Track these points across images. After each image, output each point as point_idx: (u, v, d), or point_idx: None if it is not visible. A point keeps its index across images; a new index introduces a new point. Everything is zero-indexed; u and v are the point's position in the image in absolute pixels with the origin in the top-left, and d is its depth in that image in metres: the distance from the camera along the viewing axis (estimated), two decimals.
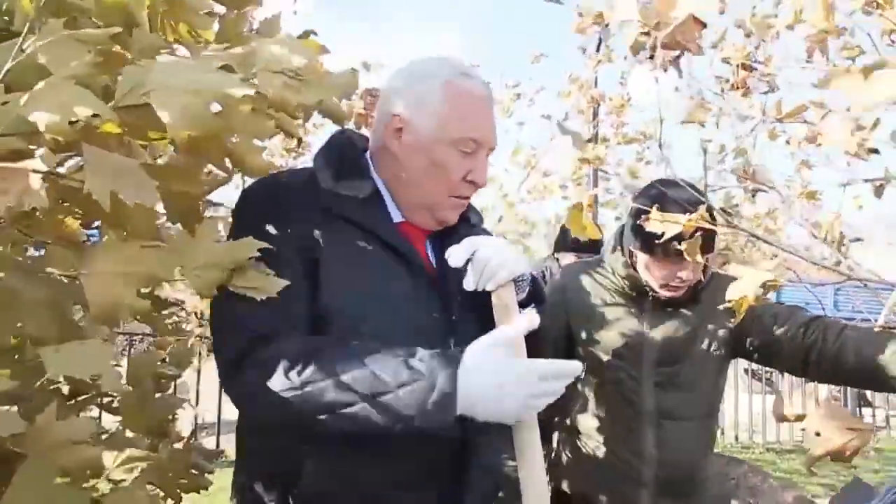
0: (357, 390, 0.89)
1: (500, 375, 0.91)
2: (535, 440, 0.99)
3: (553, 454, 1.79)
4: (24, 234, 0.85)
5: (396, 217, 1.12)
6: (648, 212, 1.37)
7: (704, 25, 1.24)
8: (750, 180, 1.79)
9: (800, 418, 1.18)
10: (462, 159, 1.08)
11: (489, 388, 0.90)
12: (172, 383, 1.35)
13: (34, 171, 0.61)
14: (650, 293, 1.59)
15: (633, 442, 1.59)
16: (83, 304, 0.79)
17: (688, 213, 1.34)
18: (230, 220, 1.08)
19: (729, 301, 1.20)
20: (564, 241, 3.39)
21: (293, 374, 0.90)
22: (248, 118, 0.78)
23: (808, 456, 1.16)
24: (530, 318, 1.00)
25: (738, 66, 1.92)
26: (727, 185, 2.94)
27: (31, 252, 0.95)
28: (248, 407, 0.98)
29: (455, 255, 1.05)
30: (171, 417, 1.22)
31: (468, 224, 1.22)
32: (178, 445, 1.22)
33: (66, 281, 0.83)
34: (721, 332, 1.60)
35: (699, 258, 1.33)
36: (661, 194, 1.50)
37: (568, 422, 1.72)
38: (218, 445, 4.94)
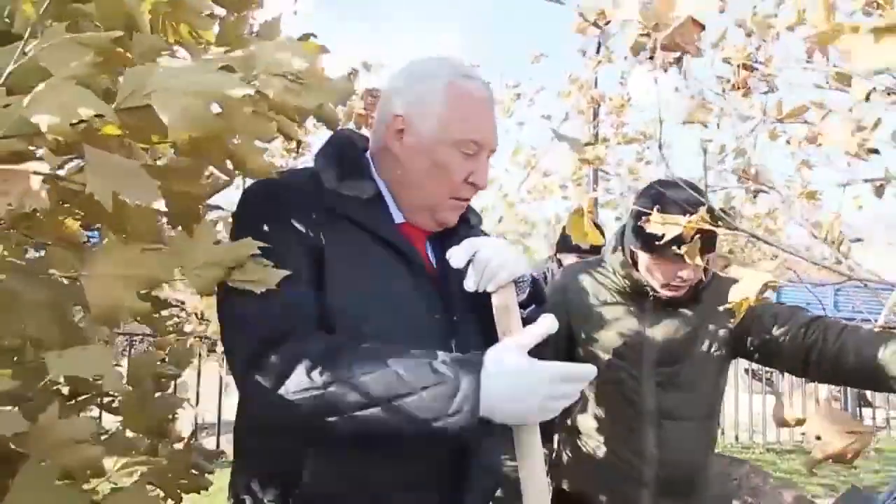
0: (381, 391, 0.89)
1: (521, 378, 0.92)
2: (535, 440, 0.99)
3: (554, 454, 1.79)
4: (25, 235, 0.85)
5: (397, 218, 1.12)
6: (648, 213, 1.37)
7: (703, 27, 1.24)
8: (751, 181, 1.79)
9: (800, 422, 1.18)
10: (463, 161, 1.08)
11: (510, 390, 0.91)
12: (172, 383, 1.35)
13: (35, 172, 0.61)
14: (651, 293, 1.59)
15: (633, 442, 1.59)
16: (84, 306, 0.79)
17: (688, 214, 1.35)
18: (230, 220, 1.08)
19: (730, 303, 1.20)
20: (566, 242, 3.39)
21: (315, 374, 0.90)
22: (249, 119, 0.78)
23: (809, 459, 1.16)
24: (549, 323, 1.01)
25: (738, 66, 1.92)
26: (727, 186, 2.94)
27: (31, 253, 0.95)
28: (264, 406, 0.95)
29: (456, 256, 1.05)
30: (171, 417, 1.22)
31: (467, 225, 1.22)
32: (179, 446, 1.22)
33: (66, 282, 0.83)
34: (721, 332, 1.60)
35: (699, 261, 1.33)
36: (661, 195, 1.50)
37: (569, 422, 1.72)
38: (218, 446, 4.94)
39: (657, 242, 1.39)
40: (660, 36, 1.24)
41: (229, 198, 1.11)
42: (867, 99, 1.58)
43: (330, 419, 0.90)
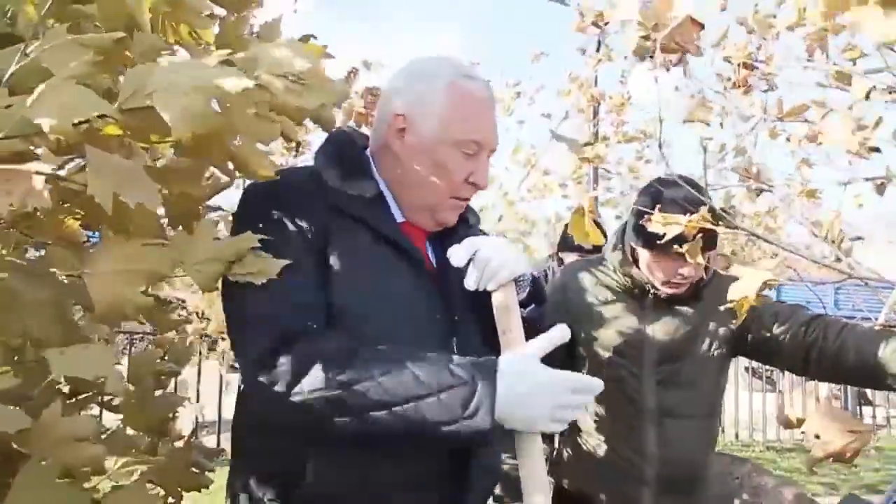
0: (398, 393, 0.90)
1: (535, 385, 0.93)
2: (536, 440, 0.99)
3: (554, 453, 1.79)
4: (25, 234, 0.85)
5: (398, 217, 1.12)
6: (649, 213, 1.37)
7: (702, 27, 1.24)
8: (753, 179, 1.79)
9: (801, 422, 1.18)
10: (464, 161, 1.08)
11: (524, 396, 0.92)
12: (173, 381, 1.35)
13: (37, 172, 0.61)
14: (651, 291, 1.60)
15: (634, 440, 1.59)
16: (85, 305, 0.79)
17: (688, 213, 1.35)
18: (231, 220, 1.08)
19: (731, 302, 1.20)
20: (567, 241, 3.39)
21: (331, 374, 0.90)
22: (251, 120, 0.78)
23: (809, 458, 1.17)
24: (560, 332, 1.02)
25: (739, 64, 1.92)
26: (728, 184, 2.94)
27: (32, 253, 0.95)
28: (276, 406, 0.94)
29: (457, 255, 1.05)
30: (171, 416, 1.22)
31: (466, 224, 1.22)
32: (179, 444, 1.22)
33: (66, 281, 0.83)
34: (722, 331, 1.60)
35: (700, 259, 1.33)
36: (660, 193, 1.50)
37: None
38: (219, 444, 4.95)
39: (658, 242, 1.39)
40: (659, 35, 1.24)
41: (230, 198, 1.11)
42: (867, 97, 1.58)
43: (343, 420, 0.91)
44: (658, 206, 1.45)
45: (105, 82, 0.72)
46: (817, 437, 1.14)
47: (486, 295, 1.06)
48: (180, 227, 0.87)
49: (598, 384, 0.99)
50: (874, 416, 7.38)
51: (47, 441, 0.70)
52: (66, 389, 1.09)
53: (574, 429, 1.70)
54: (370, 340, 0.97)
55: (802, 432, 1.17)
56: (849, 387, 6.68)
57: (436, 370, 0.91)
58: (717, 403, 1.69)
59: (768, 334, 1.54)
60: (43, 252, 0.93)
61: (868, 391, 7.50)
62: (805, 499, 2.97)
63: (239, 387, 1.12)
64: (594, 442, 1.66)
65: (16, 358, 0.84)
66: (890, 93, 1.56)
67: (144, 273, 0.78)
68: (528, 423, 0.94)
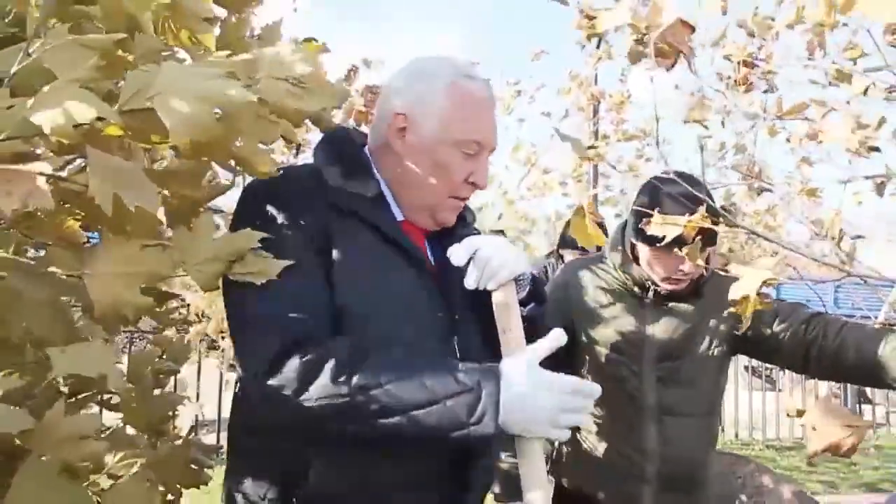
0: (406, 401, 0.90)
1: (537, 389, 0.94)
2: (537, 441, 0.99)
3: (554, 451, 1.79)
4: (25, 235, 0.85)
5: (398, 216, 1.12)
6: (647, 213, 1.37)
7: (693, 29, 1.25)
8: (753, 178, 1.79)
9: (800, 413, 1.19)
10: (464, 161, 1.08)
11: (527, 401, 0.93)
12: (172, 379, 1.35)
13: (38, 173, 0.61)
14: (652, 288, 1.60)
15: (634, 438, 1.59)
16: (85, 305, 0.80)
17: (687, 211, 1.35)
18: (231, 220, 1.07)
19: (731, 301, 1.20)
20: (567, 239, 3.39)
21: (340, 381, 0.90)
22: (252, 123, 0.78)
23: (806, 451, 1.17)
24: (558, 336, 1.02)
25: (739, 62, 1.92)
26: (728, 183, 2.94)
27: (31, 253, 0.95)
28: (280, 410, 0.93)
29: (457, 254, 1.05)
30: (171, 414, 1.22)
31: (464, 223, 1.22)
32: (178, 442, 1.22)
33: (67, 281, 0.83)
34: (722, 328, 1.60)
35: (700, 261, 1.33)
36: (658, 191, 1.50)
37: None
38: (218, 442, 4.95)
39: (658, 245, 1.39)
40: (652, 37, 1.25)
41: (231, 199, 1.11)
42: (865, 93, 1.58)
43: (352, 425, 0.91)
44: (657, 204, 1.45)
45: (106, 84, 0.72)
46: (814, 429, 1.14)
47: (487, 294, 1.06)
48: (181, 226, 0.87)
49: (596, 389, 0.99)
50: (874, 414, 7.39)
51: (50, 440, 0.70)
52: (65, 389, 1.09)
53: (574, 428, 1.70)
54: (371, 339, 0.97)
55: (802, 425, 1.17)
56: (849, 385, 6.70)
57: (442, 377, 0.92)
58: (717, 402, 1.69)
59: (768, 332, 1.55)
60: (43, 252, 0.93)
61: (868, 389, 7.51)
62: (804, 496, 2.97)
63: (236, 385, 1.12)
64: (594, 440, 1.66)
65: (15, 358, 0.84)
66: (890, 92, 1.56)
67: (144, 274, 0.78)
68: (530, 427, 0.94)
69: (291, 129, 0.88)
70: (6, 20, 0.82)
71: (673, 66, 1.29)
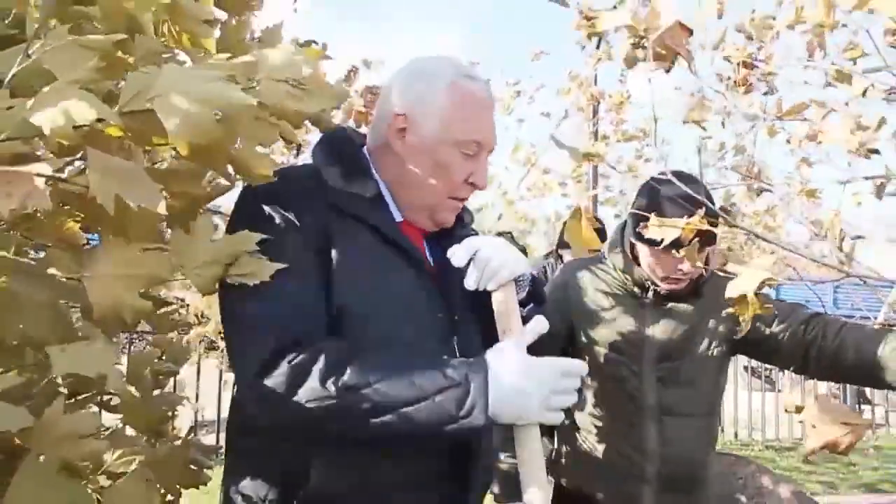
0: (395, 399, 0.90)
1: (525, 376, 0.95)
2: (533, 430, 1.00)
3: (554, 451, 1.79)
4: (25, 237, 0.85)
5: (397, 216, 1.12)
6: (645, 216, 1.37)
7: (691, 32, 1.25)
8: (752, 178, 1.79)
9: (800, 409, 1.19)
10: (464, 161, 1.08)
11: (516, 388, 0.93)
12: (172, 380, 1.35)
13: (38, 174, 0.61)
14: (651, 287, 1.60)
15: (634, 438, 1.59)
16: (84, 307, 0.80)
17: (686, 213, 1.35)
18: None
19: (730, 303, 1.20)
20: (566, 240, 3.39)
21: (329, 382, 0.90)
22: (252, 125, 0.78)
23: (804, 448, 1.18)
24: (541, 322, 1.03)
25: (739, 63, 1.92)
26: (727, 184, 2.94)
27: (31, 254, 0.95)
28: (274, 415, 0.94)
29: (457, 255, 1.06)
30: (170, 415, 1.22)
31: (462, 224, 1.22)
32: (177, 442, 1.22)
33: (66, 283, 0.83)
34: (722, 328, 1.60)
35: (699, 263, 1.33)
36: (657, 193, 1.50)
37: (567, 419, 1.72)
38: (217, 442, 4.95)
39: (657, 248, 1.40)
40: (650, 39, 1.26)
41: (231, 199, 1.11)
42: (864, 94, 1.58)
43: (343, 426, 0.91)
44: (656, 206, 1.46)
45: (106, 85, 0.72)
46: (813, 427, 1.15)
47: (486, 295, 1.07)
48: (179, 229, 0.87)
49: (583, 366, 1.00)
50: (873, 415, 7.39)
51: (50, 438, 0.70)
52: (64, 390, 1.09)
53: (573, 427, 1.70)
54: (371, 340, 0.97)
55: (801, 422, 1.18)
56: (848, 385, 6.70)
57: (430, 373, 0.92)
58: (717, 402, 1.69)
59: (767, 332, 1.55)
60: (43, 254, 0.93)
61: (867, 390, 7.51)
62: (803, 496, 2.97)
63: (234, 385, 1.12)
64: (594, 440, 1.66)
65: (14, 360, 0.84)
66: (889, 92, 1.56)
67: (144, 277, 0.78)
68: (524, 414, 0.95)
69: (291, 130, 0.88)
70: (6, 21, 0.82)
71: (671, 68, 1.30)
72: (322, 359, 0.91)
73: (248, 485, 1.02)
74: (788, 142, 2.19)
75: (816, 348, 1.48)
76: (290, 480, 0.99)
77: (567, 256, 3.38)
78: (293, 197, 1.03)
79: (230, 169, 0.87)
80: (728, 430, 6.53)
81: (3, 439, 0.69)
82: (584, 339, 1.66)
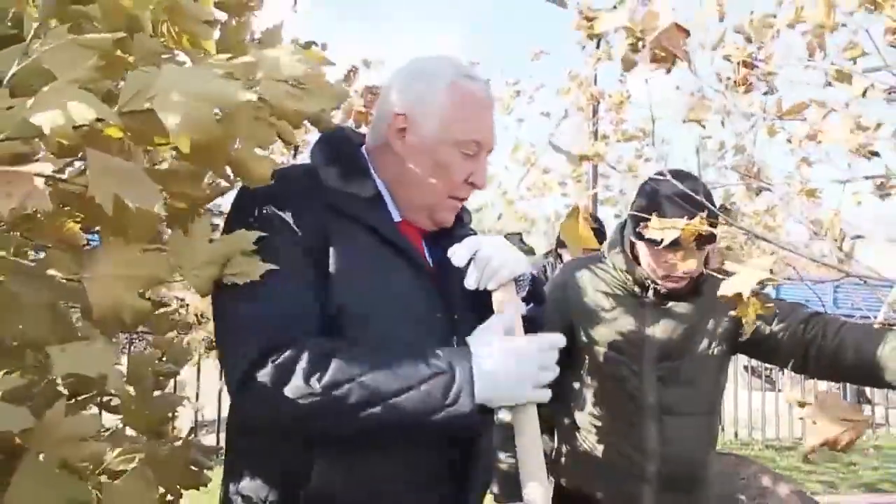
0: (380, 390, 0.90)
1: (509, 355, 0.95)
2: (529, 412, 1.00)
3: (553, 451, 1.79)
4: (25, 237, 0.85)
5: (395, 216, 1.12)
6: (645, 217, 1.38)
7: (688, 33, 1.25)
8: (752, 178, 1.79)
9: (803, 404, 1.20)
10: (464, 161, 1.09)
11: (502, 369, 0.94)
12: (172, 381, 1.35)
13: (38, 174, 0.61)
14: (651, 286, 1.60)
15: (634, 437, 1.59)
16: (84, 308, 0.80)
17: (685, 213, 1.35)
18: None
19: (724, 300, 1.20)
20: None
21: (313, 380, 0.90)
22: (251, 125, 0.78)
23: (804, 445, 1.18)
24: (517, 305, 1.05)
25: (739, 63, 1.92)
26: (727, 183, 2.94)
27: (31, 255, 0.95)
28: (263, 417, 0.95)
29: (458, 255, 1.06)
30: (171, 416, 1.22)
31: (461, 224, 1.22)
32: (178, 443, 1.22)
33: (66, 284, 0.83)
34: (721, 328, 1.60)
35: (699, 261, 1.33)
36: (656, 192, 1.50)
37: (567, 419, 1.72)
38: (218, 442, 4.95)
39: (657, 247, 1.40)
40: (648, 40, 1.26)
41: (230, 200, 1.10)
42: (864, 95, 1.58)
43: (332, 423, 0.91)
44: (655, 206, 1.46)
45: (106, 85, 0.72)
46: (814, 423, 1.15)
47: (486, 294, 1.07)
48: (178, 230, 0.87)
49: (561, 338, 1.02)
50: (873, 414, 7.39)
51: (51, 440, 0.70)
52: (64, 391, 1.09)
53: (573, 427, 1.70)
54: (370, 340, 0.97)
55: (801, 418, 1.18)
56: (848, 385, 6.70)
57: (414, 364, 0.92)
58: (717, 401, 1.69)
59: (767, 332, 1.55)
60: (43, 255, 0.93)
61: (867, 389, 7.51)
62: (803, 495, 2.97)
63: None
64: (594, 440, 1.66)
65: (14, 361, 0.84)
66: (889, 92, 1.56)
67: (143, 278, 0.78)
68: (515, 394, 0.96)
69: (290, 130, 0.88)
70: (6, 20, 0.82)
71: (670, 69, 1.30)
72: (305, 356, 0.91)
73: (247, 485, 1.02)
74: (789, 141, 2.19)
75: (816, 347, 1.48)
76: (290, 481, 0.98)
77: (566, 256, 3.38)
78: (290, 197, 1.02)
79: (229, 171, 0.87)
80: (728, 429, 6.53)
81: (3, 440, 0.69)
82: (584, 338, 1.66)
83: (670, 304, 1.61)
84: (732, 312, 1.20)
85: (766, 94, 1.97)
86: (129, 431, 1.16)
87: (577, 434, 1.69)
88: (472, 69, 1.12)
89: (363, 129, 1.84)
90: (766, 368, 7.38)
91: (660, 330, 1.60)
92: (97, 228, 0.87)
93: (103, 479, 0.90)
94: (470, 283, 1.06)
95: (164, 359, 1.32)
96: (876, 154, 1.64)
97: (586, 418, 1.67)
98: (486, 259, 1.04)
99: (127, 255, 0.77)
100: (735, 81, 1.95)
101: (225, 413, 5.15)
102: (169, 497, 1.15)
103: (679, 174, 1.50)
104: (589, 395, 1.67)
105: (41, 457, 0.70)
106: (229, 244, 0.91)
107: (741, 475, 2.95)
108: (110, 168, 0.64)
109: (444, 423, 0.92)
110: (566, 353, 1.66)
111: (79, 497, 0.72)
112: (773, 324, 1.54)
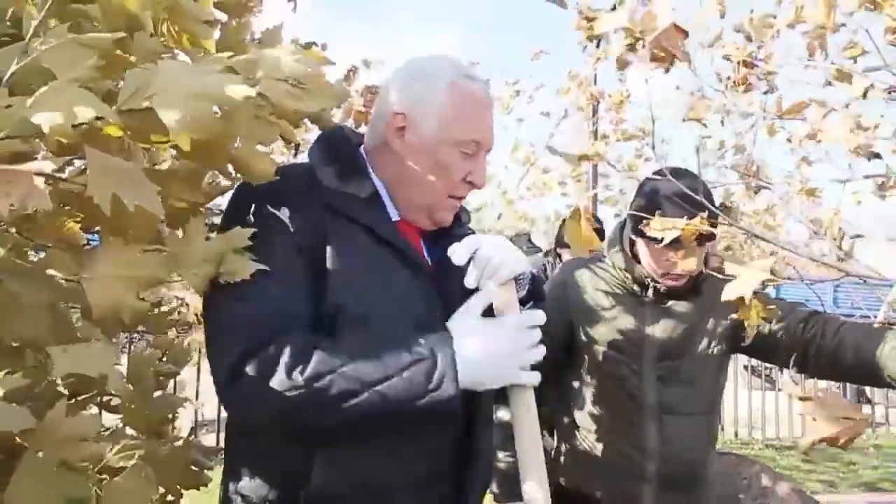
0: (363, 380, 0.90)
1: (489, 336, 0.97)
2: (524, 395, 1.01)
3: (553, 450, 1.79)
4: (24, 237, 0.85)
5: (394, 216, 1.12)
6: (645, 217, 1.38)
7: (686, 34, 1.26)
8: (752, 177, 1.79)
9: (804, 399, 1.20)
10: (463, 160, 1.09)
11: (484, 350, 0.96)
12: (172, 381, 1.35)
13: (37, 173, 0.61)
14: (651, 285, 1.60)
15: (634, 436, 1.59)
16: (84, 308, 0.80)
17: (684, 212, 1.35)
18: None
19: (728, 304, 1.20)
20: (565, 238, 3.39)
21: (296, 373, 0.90)
22: (251, 123, 0.78)
23: (802, 443, 1.18)
24: (496, 282, 1.04)
25: (739, 62, 1.92)
26: (727, 182, 2.94)
27: (31, 255, 0.95)
28: (249, 413, 0.95)
29: (458, 253, 1.05)
30: (171, 416, 1.22)
31: (460, 223, 1.22)
32: (178, 443, 1.22)
33: (65, 284, 0.83)
34: (721, 327, 1.60)
35: (698, 260, 1.34)
36: (656, 192, 1.50)
37: (567, 418, 1.72)
38: (218, 442, 4.95)
39: (657, 245, 1.40)
40: (647, 40, 1.27)
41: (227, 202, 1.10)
42: (864, 95, 1.58)
43: (317, 415, 0.91)
44: (654, 205, 1.46)
45: (105, 84, 0.72)
46: (814, 420, 1.15)
47: None
48: (177, 230, 0.87)
49: (540, 314, 1.02)
50: (873, 413, 7.39)
51: (51, 440, 0.70)
52: (64, 391, 1.09)
53: (573, 426, 1.70)
54: (369, 340, 0.97)
55: (801, 414, 1.18)
56: (847, 384, 6.70)
57: (395, 353, 0.93)
58: (717, 400, 1.69)
59: (767, 331, 1.55)
60: (43, 255, 0.93)
61: (867, 388, 7.51)
62: (803, 494, 2.97)
63: None
64: (593, 439, 1.66)
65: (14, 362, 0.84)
66: (890, 92, 1.56)
67: (143, 278, 0.78)
68: (502, 374, 0.97)
69: (290, 129, 0.88)
70: (5, 20, 0.82)
71: (669, 69, 1.30)
72: (287, 350, 0.91)
73: (247, 485, 1.02)
74: (789, 141, 2.19)
75: (815, 347, 1.48)
76: (289, 481, 0.98)
77: (566, 255, 3.38)
78: (289, 196, 1.02)
79: (230, 168, 0.87)
80: (728, 428, 6.53)
81: (4, 440, 0.69)
82: (583, 337, 1.66)
83: (670, 303, 1.61)
84: (734, 316, 1.20)
85: (766, 93, 1.97)
86: (130, 431, 1.16)
87: (577, 433, 1.69)
88: (471, 69, 1.12)
89: (363, 129, 1.83)
90: (766, 368, 7.38)
91: (659, 329, 1.60)
92: (97, 228, 0.86)
93: (103, 476, 0.90)
94: (470, 281, 1.06)
95: (164, 359, 1.32)
96: (877, 156, 1.64)
97: (586, 417, 1.67)
98: (486, 258, 1.04)
99: (126, 256, 0.77)
100: (735, 81, 1.95)
101: (225, 413, 5.17)
102: (169, 497, 1.15)
103: (678, 172, 1.50)
104: (588, 394, 1.67)
105: (40, 454, 0.70)
106: (227, 243, 0.91)
107: (743, 475, 2.95)
108: (109, 168, 0.64)
109: (428, 409, 0.92)
110: (566, 352, 1.67)
111: (78, 495, 0.72)
112: (773, 323, 1.54)
